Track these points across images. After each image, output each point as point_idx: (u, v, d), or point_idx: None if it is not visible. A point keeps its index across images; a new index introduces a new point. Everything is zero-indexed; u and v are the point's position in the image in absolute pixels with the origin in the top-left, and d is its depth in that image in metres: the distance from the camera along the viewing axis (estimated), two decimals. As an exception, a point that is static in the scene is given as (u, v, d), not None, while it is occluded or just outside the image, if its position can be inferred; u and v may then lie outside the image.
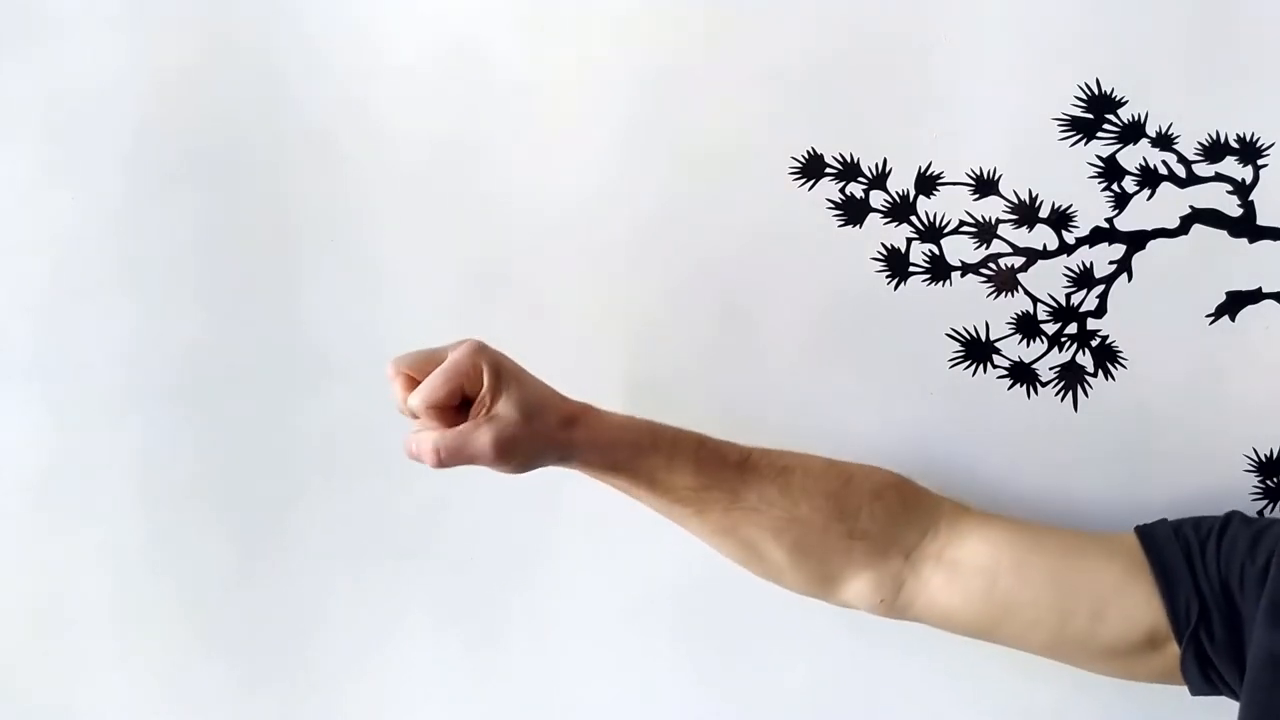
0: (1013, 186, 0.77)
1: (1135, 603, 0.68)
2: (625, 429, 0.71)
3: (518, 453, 0.67)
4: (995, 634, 0.72)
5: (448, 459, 0.65)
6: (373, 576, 0.86)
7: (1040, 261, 0.78)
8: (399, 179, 0.83)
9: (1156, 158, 0.76)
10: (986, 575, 0.70)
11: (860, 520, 0.71)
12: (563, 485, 0.77)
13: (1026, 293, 0.78)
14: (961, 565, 0.71)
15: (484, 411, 0.66)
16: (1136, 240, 0.77)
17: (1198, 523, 0.70)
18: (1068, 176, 0.77)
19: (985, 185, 0.78)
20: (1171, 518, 0.72)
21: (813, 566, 0.72)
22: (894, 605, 0.72)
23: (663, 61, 0.80)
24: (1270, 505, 0.77)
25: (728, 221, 0.80)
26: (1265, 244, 0.75)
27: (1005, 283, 0.78)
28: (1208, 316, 0.77)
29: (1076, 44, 0.76)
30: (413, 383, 0.67)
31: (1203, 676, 0.68)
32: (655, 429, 0.72)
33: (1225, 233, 0.76)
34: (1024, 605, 0.70)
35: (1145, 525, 0.72)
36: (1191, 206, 0.76)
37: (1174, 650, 0.68)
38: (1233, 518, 0.70)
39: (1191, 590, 0.67)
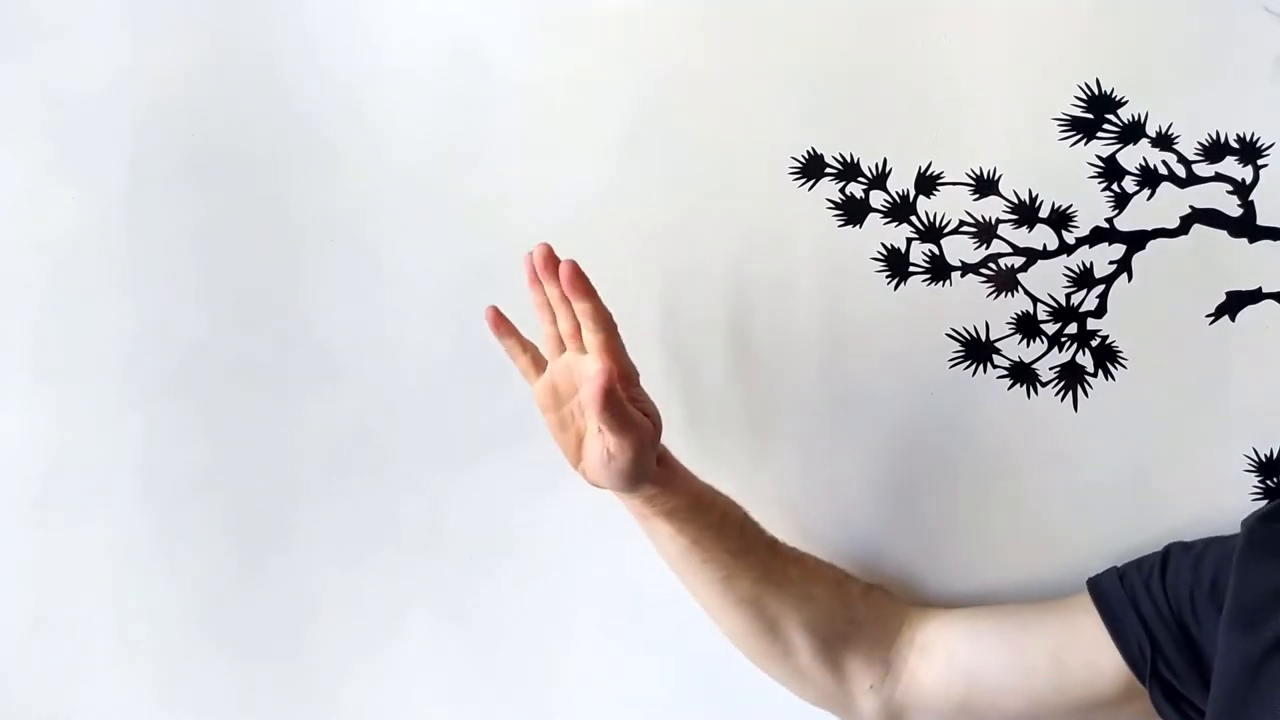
0: (1013, 186, 0.77)
1: (1091, 647, 0.71)
2: (694, 478, 0.74)
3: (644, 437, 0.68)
4: (971, 708, 0.74)
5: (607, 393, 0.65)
6: (373, 576, 0.86)
7: (1040, 261, 0.78)
8: (399, 179, 0.83)
9: (1156, 158, 0.76)
10: (944, 649, 0.75)
11: (858, 610, 0.76)
12: (562, 485, 0.77)
13: (1026, 293, 0.78)
14: (927, 646, 0.75)
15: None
16: (1136, 240, 0.76)
17: (1140, 563, 0.73)
18: (1068, 176, 0.76)
19: (985, 185, 0.78)
20: (1171, 520, 0.72)
21: (819, 646, 0.74)
22: (880, 690, 0.75)
23: (663, 61, 0.80)
24: (1270, 505, 0.77)
25: (728, 222, 0.80)
26: (1265, 244, 0.75)
27: (1005, 283, 0.78)
28: (1208, 316, 0.76)
29: (1076, 44, 0.76)
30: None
31: (1179, 714, 0.69)
32: (714, 491, 0.75)
33: (1225, 233, 0.76)
34: (984, 670, 0.73)
35: (1093, 576, 0.74)
36: (1191, 206, 0.76)
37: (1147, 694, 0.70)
38: (1171, 550, 0.72)
39: (1140, 630, 0.69)
